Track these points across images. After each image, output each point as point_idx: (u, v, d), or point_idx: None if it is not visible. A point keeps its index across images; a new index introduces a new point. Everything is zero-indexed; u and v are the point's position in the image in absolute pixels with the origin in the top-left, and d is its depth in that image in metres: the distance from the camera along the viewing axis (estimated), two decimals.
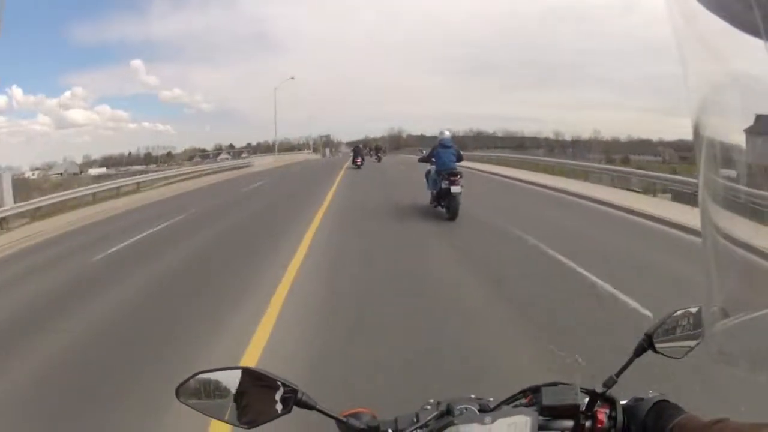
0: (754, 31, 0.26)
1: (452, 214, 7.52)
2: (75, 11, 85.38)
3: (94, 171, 50.69)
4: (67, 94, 73.95)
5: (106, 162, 66.14)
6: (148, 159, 68.30)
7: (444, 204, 7.77)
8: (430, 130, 71.84)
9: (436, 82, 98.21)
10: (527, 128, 66.11)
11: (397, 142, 74.61)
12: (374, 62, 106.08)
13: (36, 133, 74.49)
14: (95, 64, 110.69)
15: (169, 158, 68.96)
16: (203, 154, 70.35)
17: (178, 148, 73.76)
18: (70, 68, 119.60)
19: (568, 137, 60.35)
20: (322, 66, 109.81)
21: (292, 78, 41.06)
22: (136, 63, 77.63)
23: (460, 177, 7.46)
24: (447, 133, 8.32)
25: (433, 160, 8.07)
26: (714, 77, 0.29)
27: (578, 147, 50.26)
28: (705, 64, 0.30)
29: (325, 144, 78.57)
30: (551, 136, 62.70)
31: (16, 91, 70.20)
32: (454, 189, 7.38)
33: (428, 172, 8.56)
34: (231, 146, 73.16)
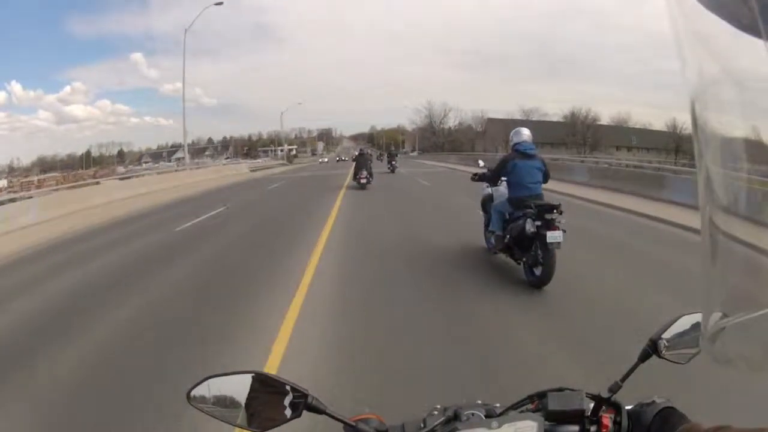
0: (753, 31, 0.26)
1: (543, 279, 4.08)
2: (73, 4, 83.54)
3: None
4: (67, 89, 74.30)
5: (53, 164, 60.09)
6: (87, 161, 63.05)
7: (528, 260, 4.27)
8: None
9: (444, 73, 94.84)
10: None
11: (428, 140, 53.79)
12: (382, 54, 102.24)
13: (36, 129, 72.37)
14: (95, 58, 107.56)
15: (120, 159, 64.19)
16: (156, 153, 66.55)
17: (135, 146, 70.41)
18: (70, 63, 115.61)
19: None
20: (327, 57, 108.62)
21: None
22: (137, 56, 76.03)
23: (559, 213, 4.11)
24: (526, 133, 4.76)
25: (504, 179, 4.87)
26: (713, 76, 0.29)
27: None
28: (704, 62, 0.30)
29: (320, 138, 74.11)
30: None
31: (16, 87, 68.30)
32: (552, 237, 3.96)
33: (488, 198, 5.37)
34: (210, 141, 70.36)
